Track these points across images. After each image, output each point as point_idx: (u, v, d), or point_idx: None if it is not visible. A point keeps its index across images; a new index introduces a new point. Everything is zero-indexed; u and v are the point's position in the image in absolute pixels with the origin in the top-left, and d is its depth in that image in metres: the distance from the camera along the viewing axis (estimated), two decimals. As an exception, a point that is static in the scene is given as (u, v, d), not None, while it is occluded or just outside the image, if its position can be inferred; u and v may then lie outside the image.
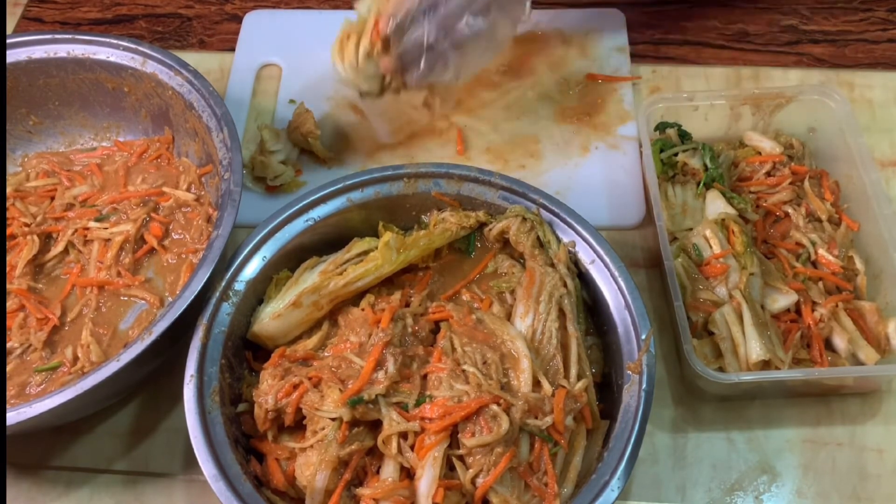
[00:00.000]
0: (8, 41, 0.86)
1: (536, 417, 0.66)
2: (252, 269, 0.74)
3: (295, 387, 0.68)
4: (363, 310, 0.73)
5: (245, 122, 0.98)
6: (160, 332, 0.68)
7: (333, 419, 0.66)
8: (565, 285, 0.73)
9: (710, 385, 0.74)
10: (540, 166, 0.94)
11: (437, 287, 0.79)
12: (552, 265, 0.74)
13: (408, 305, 0.75)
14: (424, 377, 0.69)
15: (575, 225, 0.75)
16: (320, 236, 0.78)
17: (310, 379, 0.68)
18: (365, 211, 0.78)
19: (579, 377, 0.69)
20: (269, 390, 0.68)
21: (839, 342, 0.76)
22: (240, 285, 0.73)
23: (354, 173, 0.79)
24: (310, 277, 0.74)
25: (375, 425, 0.67)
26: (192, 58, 0.88)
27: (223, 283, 0.72)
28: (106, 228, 0.83)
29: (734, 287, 0.78)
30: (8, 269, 0.80)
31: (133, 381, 0.76)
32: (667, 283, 0.76)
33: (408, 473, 0.66)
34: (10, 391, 0.75)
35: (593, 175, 0.93)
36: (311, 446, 0.66)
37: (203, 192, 0.85)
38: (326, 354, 0.72)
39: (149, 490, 0.76)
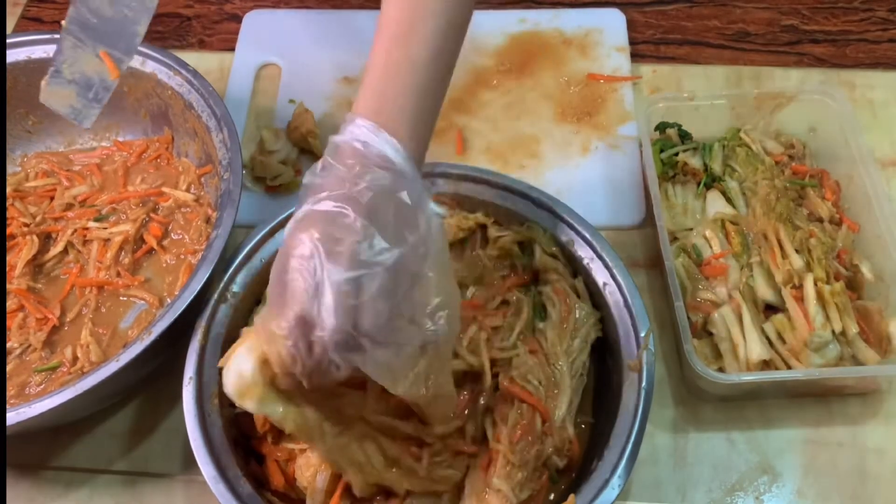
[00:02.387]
0: (7, 41, 0.85)
1: (558, 456, 0.67)
2: (250, 270, 0.74)
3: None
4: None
5: (245, 122, 0.98)
6: (160, 333, 0.67)
7: None
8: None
9: (710, 385, 0.74)
10: (540, 166, 0.94)
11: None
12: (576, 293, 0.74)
13: None
14: None
15: (575, 225, 0.75)
16: (319, 236, 0.78)
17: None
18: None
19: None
20: (269, 391, 0.68)
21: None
22: (238, 287, 0.73)
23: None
24: (309, 278, 0.74)
25: None
26: (192, 57, 0.88)
27: (221, 285, 0.72)
28: (105, 228, 0.83)
29: (734, 287, 0.78)
30: (7, 269, 0.80)
31: (133, 382, 0.76)
32: (667, 283, 0.76)
33: None
34: (10, 391, 0.75)
35: (593, 175, 0.93)
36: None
37: (203, 193, 0.85)
38: None
39: (148, 490, 0.75)
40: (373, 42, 0.60)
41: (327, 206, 0.53)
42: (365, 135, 0.55)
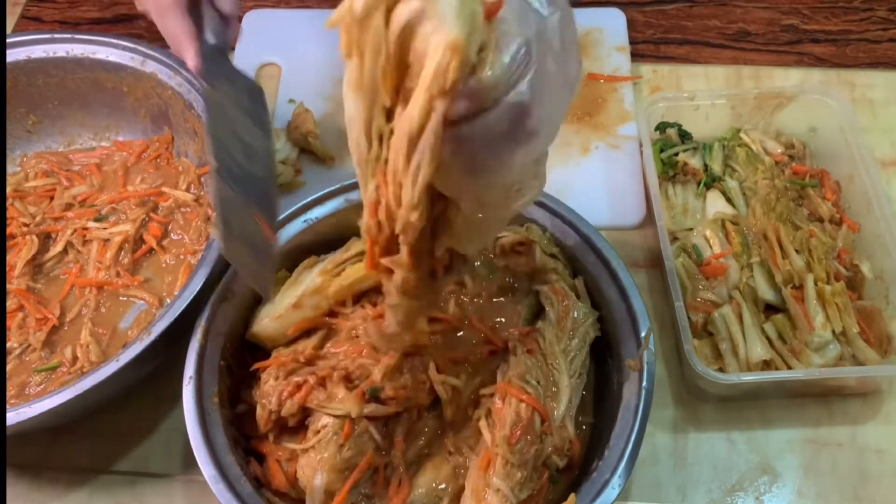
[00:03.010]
0: (7, 41, 0.85)
1: (557, 456, 0.66)
2: (251, 270, 0.74)
3: (299, 386, 0.68)
4: (364, 307, 0.73)
5: (245, 121, 0.98)
6: (160, 333, 0.68)
7: (339, 416, 0.66)
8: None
9: (710, 385, 0.74)
10: (540, 166, 0.94)
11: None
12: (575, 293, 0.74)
13: None
14: None
15: (575, 224, 0.75)
16: (319, 237, 0.78)
17: (314, 376, 0.68)
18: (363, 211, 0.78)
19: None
20: (272, 391, 0.68)
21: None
22: (238, 287, 0.73)
23: (352, 174, 0.78)
24: (308, 277, 0.74)
25: (384, 427, 0.67)
26: (192, 57, 0.88)
27: (221, 285, 0.72)
28: (105, 228, 0.83)
29: (734, 287, 0.78)
30: (7, 269, 0.80)
31: (132, 382, 0.76)
32: (667, 283, 0.76)
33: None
34: (10, 391, 0.75)
35: (593, 175, 0.93)
36: (313, 447, 0.66)
37: (202, 193, 0.85)
38: (336, 350, 0.72)
39: (148, 490, 0.75)
40: None
41: None
42: None
